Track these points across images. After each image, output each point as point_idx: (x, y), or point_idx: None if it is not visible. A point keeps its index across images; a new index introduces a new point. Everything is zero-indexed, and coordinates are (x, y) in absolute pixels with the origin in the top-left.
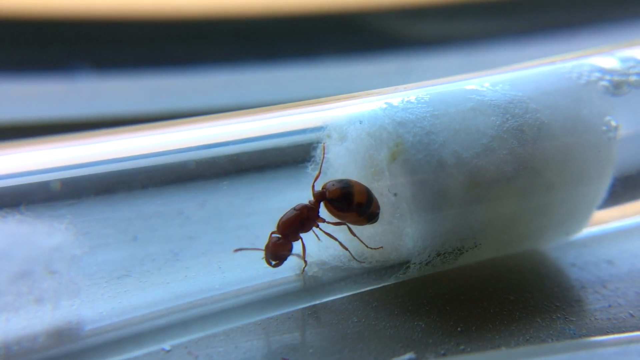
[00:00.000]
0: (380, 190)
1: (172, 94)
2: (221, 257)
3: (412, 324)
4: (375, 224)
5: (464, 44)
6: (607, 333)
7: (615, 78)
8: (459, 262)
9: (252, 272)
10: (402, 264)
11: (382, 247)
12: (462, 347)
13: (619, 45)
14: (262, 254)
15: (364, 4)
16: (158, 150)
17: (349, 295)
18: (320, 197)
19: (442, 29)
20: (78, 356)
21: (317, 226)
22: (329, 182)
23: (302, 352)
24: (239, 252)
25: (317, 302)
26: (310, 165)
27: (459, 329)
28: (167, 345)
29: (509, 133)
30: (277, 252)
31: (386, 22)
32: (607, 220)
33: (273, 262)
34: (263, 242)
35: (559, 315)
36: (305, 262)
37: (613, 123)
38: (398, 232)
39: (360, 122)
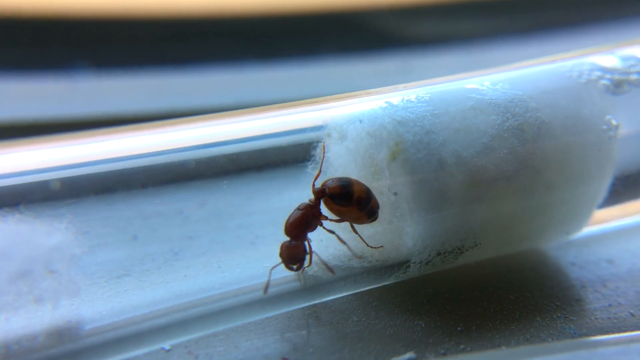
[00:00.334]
0: (380, 189)
1: (172, 93)
2: (221, 256)
3: (412, 324)
4: (375, 223)
5: (464, 42)
6: (607, 332)
7: (616, 77)
8: (459, 261)
9: (251, 271)
10: (402, 263)
11: (382, 246)
12: (462, 346)
13: (620, 44)
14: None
15: (363, 3)
16: (158, 149)
17: (348, 295)
18: (320, 194)
19: (442, 27)
20: (78, 355)
21: (321, 224)
22: (328, 179)
23: (302, 351)
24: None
25: (317, 301)
26: (310, 164)
27: (459, 328)
28: (167, 345)
29: (509, 132)
30: (293, 255)
31: (386, 21)
32: (607, 219)
33: (294, 267)
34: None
35: (559, 314)
36: (310, 262)
37: (613, 122)
38: (398, 231)
39: (360, 121)
